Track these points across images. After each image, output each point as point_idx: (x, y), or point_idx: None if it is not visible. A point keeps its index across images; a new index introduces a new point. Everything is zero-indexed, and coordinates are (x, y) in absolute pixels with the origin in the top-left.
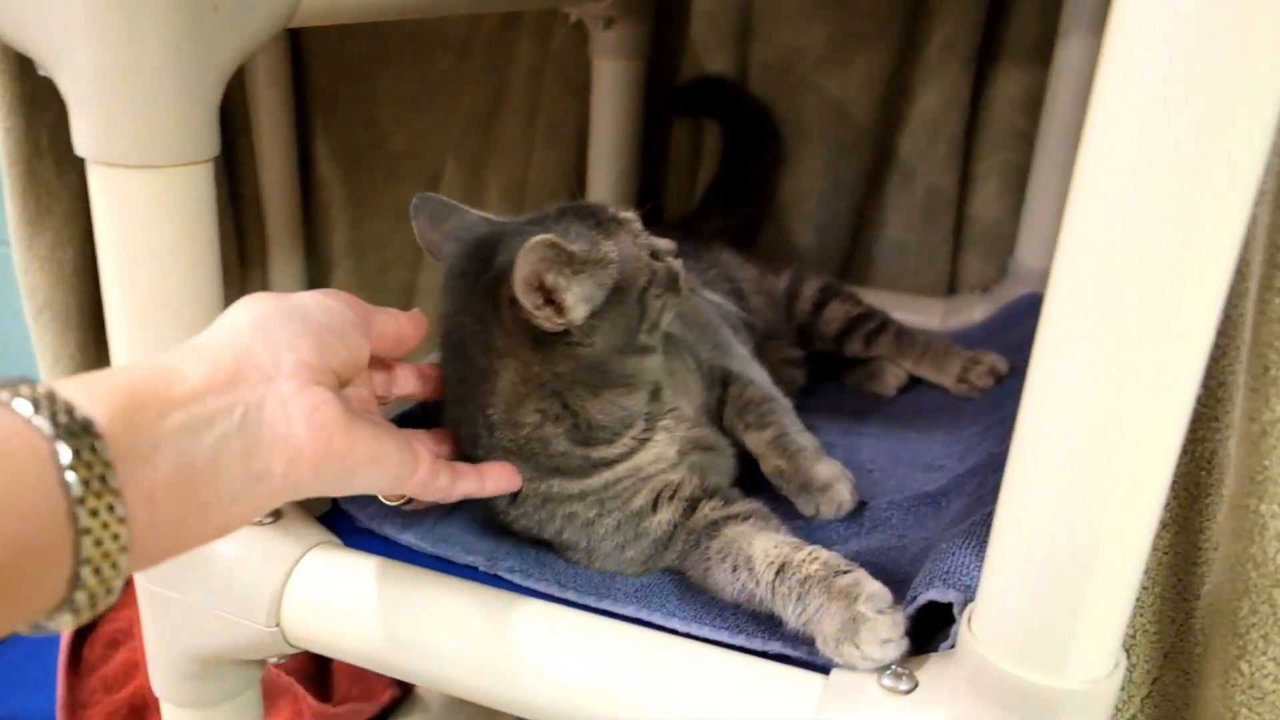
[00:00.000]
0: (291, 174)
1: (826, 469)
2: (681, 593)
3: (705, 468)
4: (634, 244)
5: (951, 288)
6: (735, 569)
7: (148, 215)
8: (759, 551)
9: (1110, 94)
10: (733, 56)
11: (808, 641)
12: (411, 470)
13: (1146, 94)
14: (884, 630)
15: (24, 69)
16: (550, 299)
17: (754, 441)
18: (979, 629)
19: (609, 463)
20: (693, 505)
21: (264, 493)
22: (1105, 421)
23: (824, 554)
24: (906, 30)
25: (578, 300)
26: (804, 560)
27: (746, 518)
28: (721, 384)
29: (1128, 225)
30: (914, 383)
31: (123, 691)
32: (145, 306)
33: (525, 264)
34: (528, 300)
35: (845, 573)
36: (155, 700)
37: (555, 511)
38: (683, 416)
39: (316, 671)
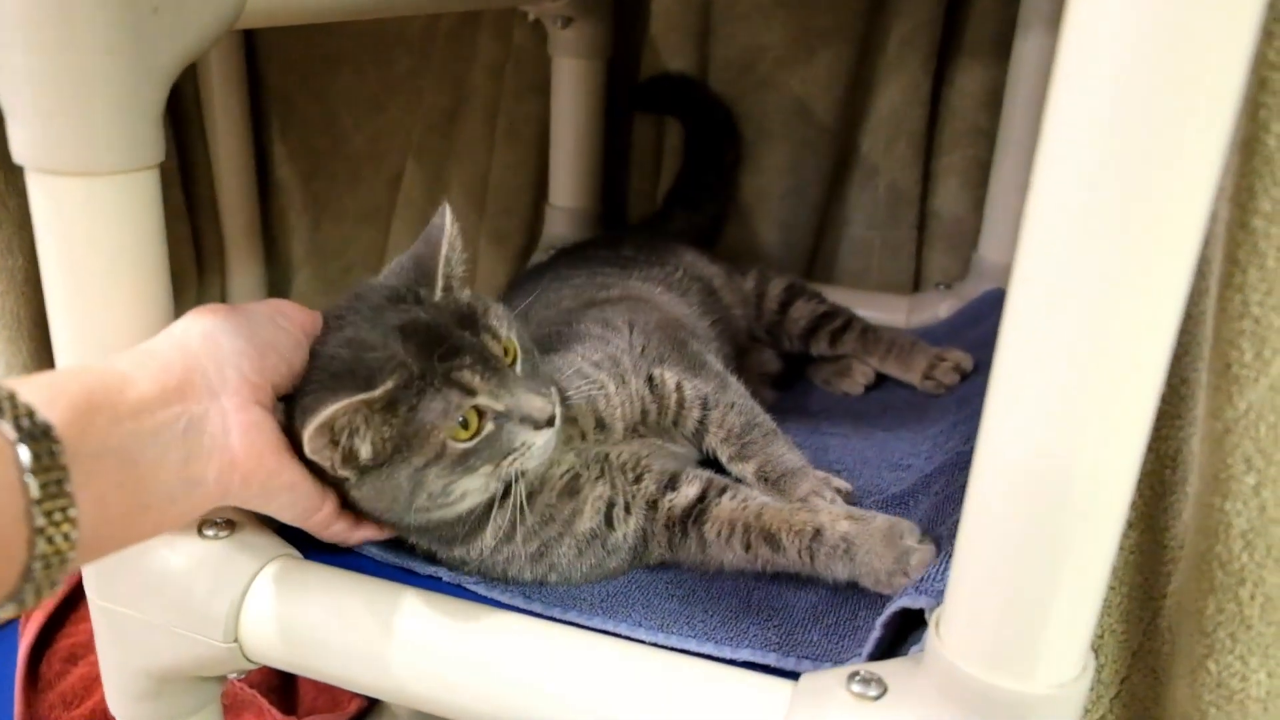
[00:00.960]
0: (249, 177)
1: (807, 486)
2: (648, 601)
3: (647, 462)
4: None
5: (916, 284)
6: (749, 547)
7: (90, 224)
8: (778, 525)
9: (1068, 89)
10: (693, 55)
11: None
12: (318, 507)
13: (1103, 90)
14: (928, 556)
15: None
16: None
17: (739, 470)
18: (946, 634)
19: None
20: (653, 503)
21: (198, 495)
22: (1070, 420)
23: (839, 509)
24: (866, 27)
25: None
26: (833, 520)
27: (721, 492)
28: (701, 407)
29: (1087, 222)
30: (881, 380)
31: (82, 707)
32: (90, 318)
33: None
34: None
35: (872, 519)
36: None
37: (503, 559)
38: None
39: (281, 683)
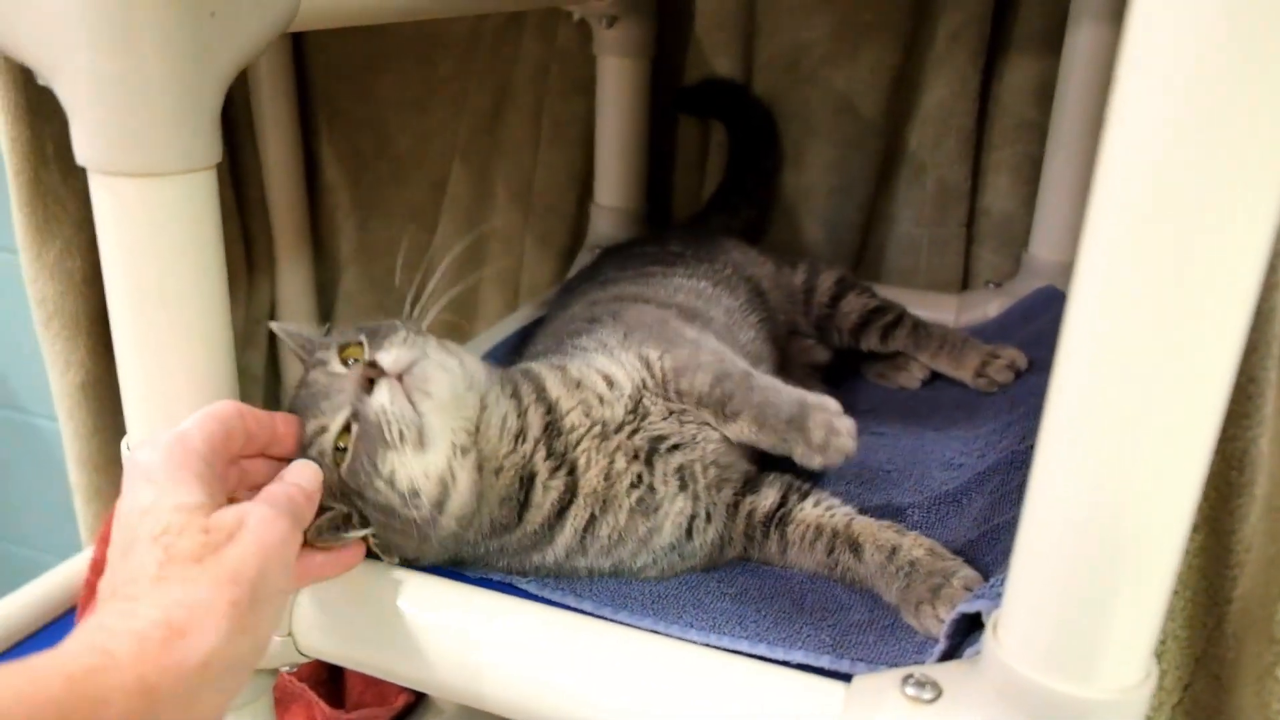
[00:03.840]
0: (298, 178)
1: (818, 423)
2: (699, 601)
3: (725, 465)
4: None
5: (965, 283)
6: (832, 551)
7: (150, 224)
8: (865, 538)
9: (1134, 80)
10: (738, 53)
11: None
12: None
13: (1172, 82)
14: (957, 597)
15: (27, 78)
16: None
17: (735, 432)
18: (1005, 636)
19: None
20: (732, 507)
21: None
22: (1134, 419)
23: (926, 540)
24: (913, 21)
25: None
26: (911, 546)
27: (804, 496)
28: (675, 374)
29: (1154, 218)
30: (931, 378)
31: None
32: (150, 315)
33: None
34: None
35: (949, 560)
36: None
37: (579, 567)
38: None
39: (329, 677)
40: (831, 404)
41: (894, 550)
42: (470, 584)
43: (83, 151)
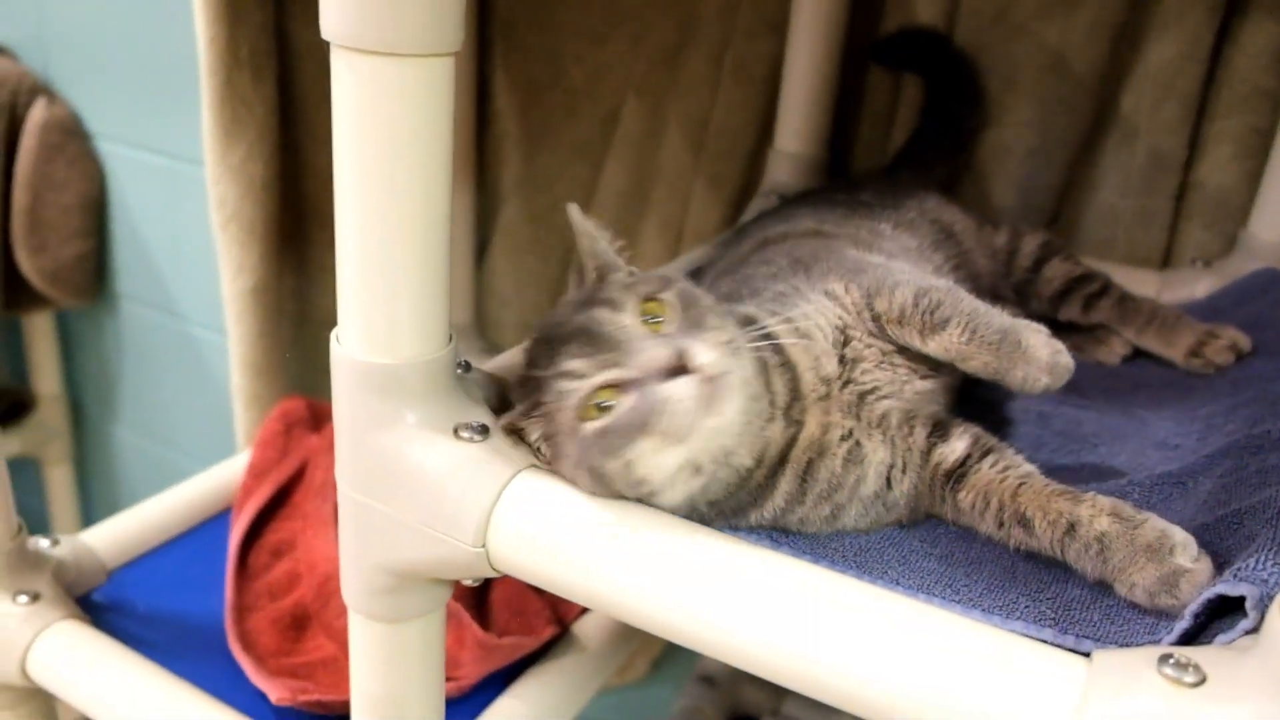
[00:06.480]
0: (469, 104)
1: (1038, 340)
2: (904, 558)
3: (916, 410)
4: None
5: (1166, 260)
6: (1003, 524)
7: (388, 105)
8: (1033, 510)
9: None
10: None
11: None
12: None
13: None
14: (1201, 578)
15: None
16: None
17: (940, 345)
18: None
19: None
20: (925, 454)
21: None
22: None
23: (1104, 502)
24: None
25: None
26: (1092, 516)
27: (985, 454)
28: (865, 297)
29: None
30: (1132, 355)
31: (286, 600)
32: (375, 202)
33: None
34: None
35: (1141, 523)
36: (315, 612)
37: (795, 519)
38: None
39: (477, 602)
40: (1043, 326)
41: (1072, 526)
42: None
43: (329, 24)
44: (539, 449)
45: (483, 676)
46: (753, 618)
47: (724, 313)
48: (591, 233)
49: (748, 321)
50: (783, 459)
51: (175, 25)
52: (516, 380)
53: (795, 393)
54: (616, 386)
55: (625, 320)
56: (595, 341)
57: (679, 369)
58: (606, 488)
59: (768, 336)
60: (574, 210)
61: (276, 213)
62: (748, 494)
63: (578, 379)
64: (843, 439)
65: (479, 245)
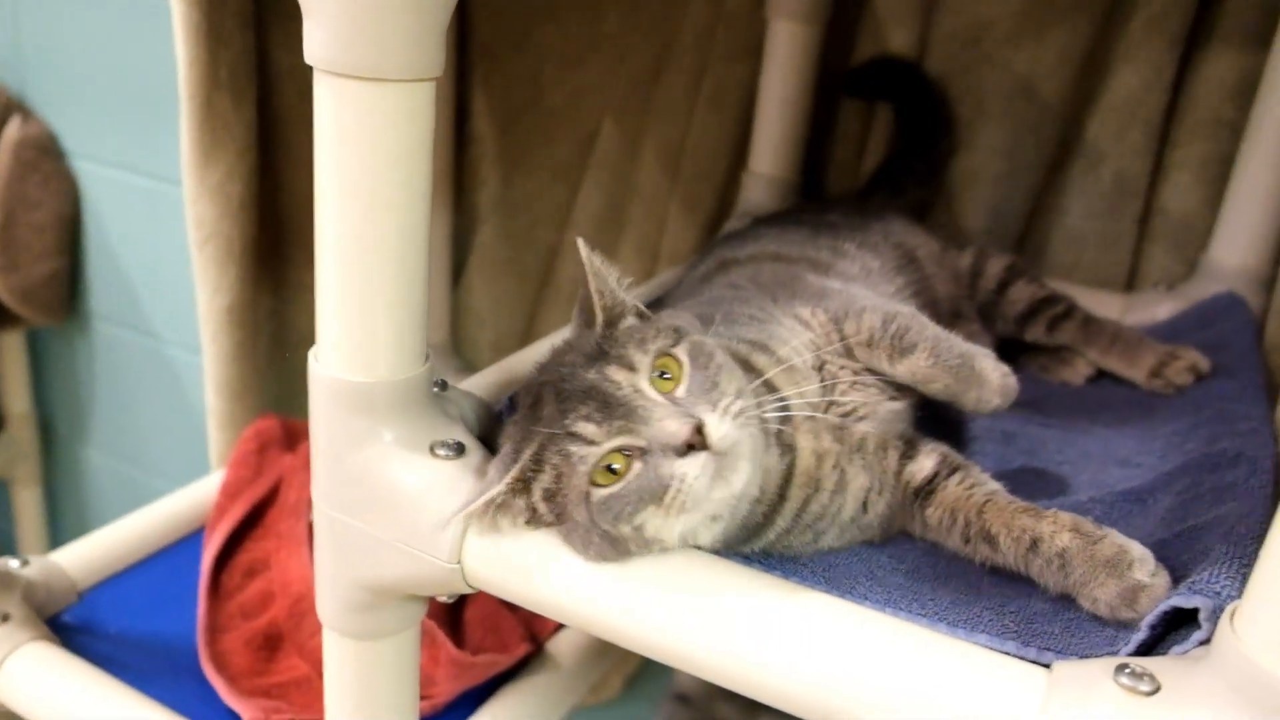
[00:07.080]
0: (448, 126)
1: (989, 365)
2: (871, 574)
3: (886, 431)
4: None
5: (1130, 282)
6: (969, 540)
7: (370, 129)
8: (998, 526)
9: None
10: (915, 25)
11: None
12: None
13: None
14: (1159, 592)
15: (208, 1)
16: None
17: (907, 370)
18: (1246, 630)
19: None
20: (897, 475)
21: None
22: None
23: (1065, 518)
24: (1109, 3)
25: None
26: (1053, 532)
27: (952, 472)
28: (834, 324)
29: None
30: (1096, 376)
31: (259, 620)
32: (355, 224)
33: None
34: None
35: (1101, 539)
36: (288, 632)
37: (785, 545)
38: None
39: (451, 620)
40: (990, 351)
41: (1035, 542)
42: None
43: (313, 49)
44: (535, 508)
45: (457, 694)
46: (725, 633)
47: (734, 371)
48: (600, 271)
49: (748, 367)
50: (782, 495)
51: (152, 44)
52: (514, 427)
53: (787, 427)
54: (627, 453)
55: (640, 383)
56: (608, 406)
57: (692, 444)
58: (620, 552)
59: (785, 406)
60: (583, 245)
61: (254, 232)
62: (746, 531)
63: (589, 445)
64: (833, 467)
65: (455, 265)
